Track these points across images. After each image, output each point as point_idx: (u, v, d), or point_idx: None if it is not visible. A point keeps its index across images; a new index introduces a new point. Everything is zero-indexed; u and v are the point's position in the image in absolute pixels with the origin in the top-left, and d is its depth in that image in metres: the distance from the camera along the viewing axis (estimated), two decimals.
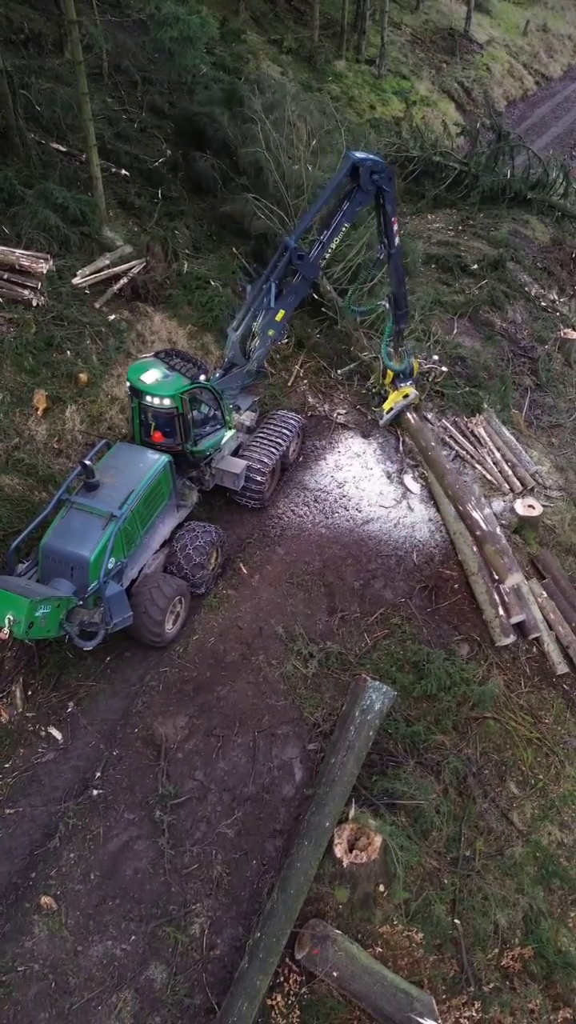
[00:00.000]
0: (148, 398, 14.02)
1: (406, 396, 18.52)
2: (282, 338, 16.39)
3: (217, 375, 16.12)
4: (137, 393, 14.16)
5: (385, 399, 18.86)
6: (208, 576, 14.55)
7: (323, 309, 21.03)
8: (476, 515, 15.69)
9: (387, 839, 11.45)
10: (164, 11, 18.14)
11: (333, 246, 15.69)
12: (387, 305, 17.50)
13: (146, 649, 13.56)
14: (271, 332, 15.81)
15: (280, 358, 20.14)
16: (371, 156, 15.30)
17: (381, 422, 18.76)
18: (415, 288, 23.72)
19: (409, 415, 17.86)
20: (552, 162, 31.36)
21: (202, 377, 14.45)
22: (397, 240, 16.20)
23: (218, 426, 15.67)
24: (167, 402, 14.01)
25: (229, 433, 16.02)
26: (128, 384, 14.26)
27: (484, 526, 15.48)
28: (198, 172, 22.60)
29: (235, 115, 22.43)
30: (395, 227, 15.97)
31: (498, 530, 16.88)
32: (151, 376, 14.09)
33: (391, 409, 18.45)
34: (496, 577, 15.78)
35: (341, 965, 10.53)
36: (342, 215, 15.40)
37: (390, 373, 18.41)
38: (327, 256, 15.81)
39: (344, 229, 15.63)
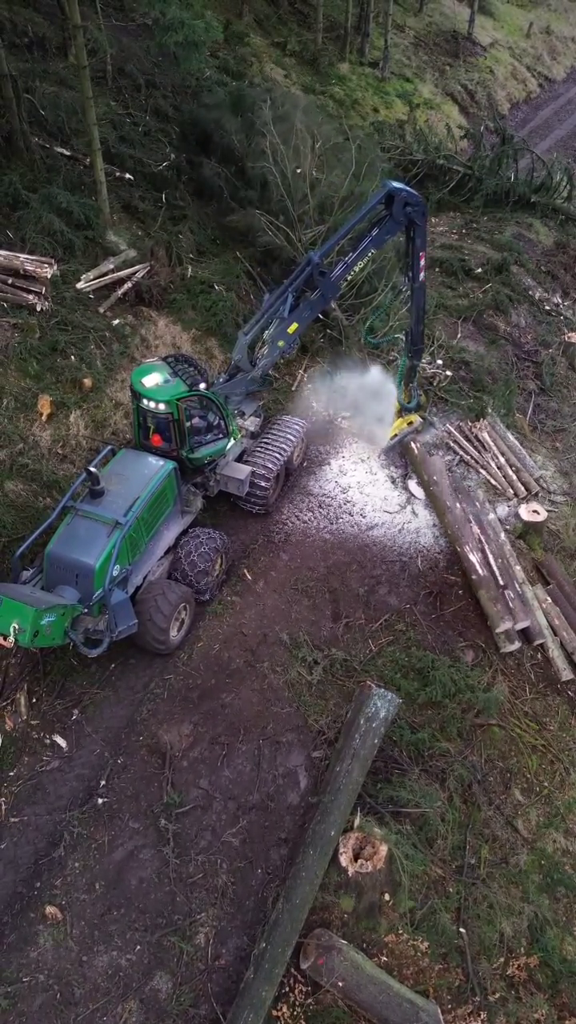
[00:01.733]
0: (146, 401, 14.07)
1: (410, 423, 18.32)
2: (291, 351, 16.49)
3: (222, 379, 16.08)
4: (136, 395, 14.21)
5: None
6: (212, 583, 14.53)
7: (328, 330, 21.01)
8: (473, 558, 15.63)
9: (393, 848, 11.43)
10: (169, 16, 18.13)
11: (357, 269, 15.54)
12: (403, 339, 17.29)
13: (151, 656, 13.54)
14: (281, 343, 15.57)
15: (284, 362, 20.11)
16: (408, 189, 15.07)
17: (383, 448, 18.60)
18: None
19: (414, 446, 17.85)
20: (556, 165, 31.31)
21: (202, 386, 14.42)
22: (423, 276, 16.05)
23: (220, 435, 15.56)
24: (162, 407, 14.03)
25: (231, 443, 15.99)
26: (131, 386, 14.32)
27: (480, 571, 15.43)
28: (203, 179, 22.57)
29: (244, 122, 22.40)
30: (422, 262, 15.80)
31: (502, 536, 16.88)
32: (152, 380, 14.11)
33: (395, 436, 18.32)
34: (501, 583, 15.77)
35: (347, 975, 10.51)
36: (370, 240, 15.17)
37: (397, 404, 18.23)
38: (348, 278, 15.63)
39: (370, 255, 15.45)
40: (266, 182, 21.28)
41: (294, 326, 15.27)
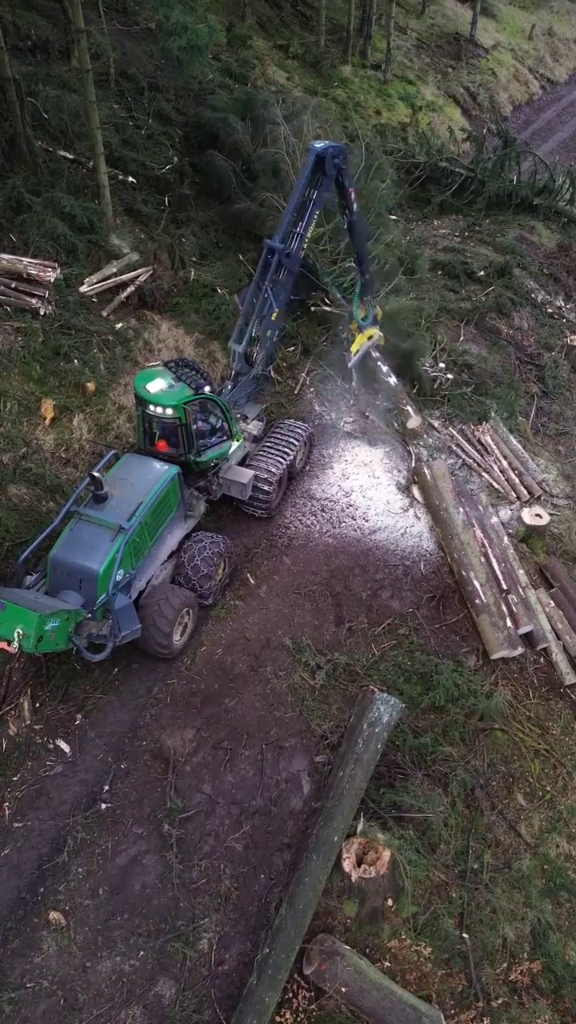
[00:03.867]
0: (152, 407, 14.04)
1: (370, 337, 19.69)
2: (278, 334, 17.02)
3: (228, 386, 16.19)
4: (142, 402, 14.19)
5: (352, 342, 19.85)
6: (215, 587, 14.54)
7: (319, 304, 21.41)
8: (476, 584, 15.63)
9: (396, 853, 11.44)
10: (172, 20, 18.14)
11: (309, 235, 16.49)
12: (353, 264, 19.11)
13: (154, 661, 13.54)
14: (269, 332, 16.42)
15: (287, 366, 20.15)
16: (329, 144, 16.07)
17: (350, 364, 19.73)
18: (422, 295, 23.80)
19: (425, 470, 17.79)
20: (558, 168, 31.32)
21: (206, 388, 14.46)
22: (356, 207, 17.39)
23: (224, 437, 15.63)
24: (170, 412, 14.03)
25: (235, 444, 16.02)
26: (134, 392, 14.30)
27: (483, 596, 15.43)
28: (213, 170, 22.61)
29: (254, 118, 22.63)
30: (352, 195, 17.05)
31: (505, 540, 16.89)
32: (156, 385, 14.11)
33: (358, 351, 19.54)
34: (504, 588, 15.79)
35: (350, 980, 10.52)
36: (313, 203, 16.19)
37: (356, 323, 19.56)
38: (305, 245, 16.54)
39: (316, 217, 16.47)
40: (278, 169, 21.82)
41: (276, 312, 16.11)
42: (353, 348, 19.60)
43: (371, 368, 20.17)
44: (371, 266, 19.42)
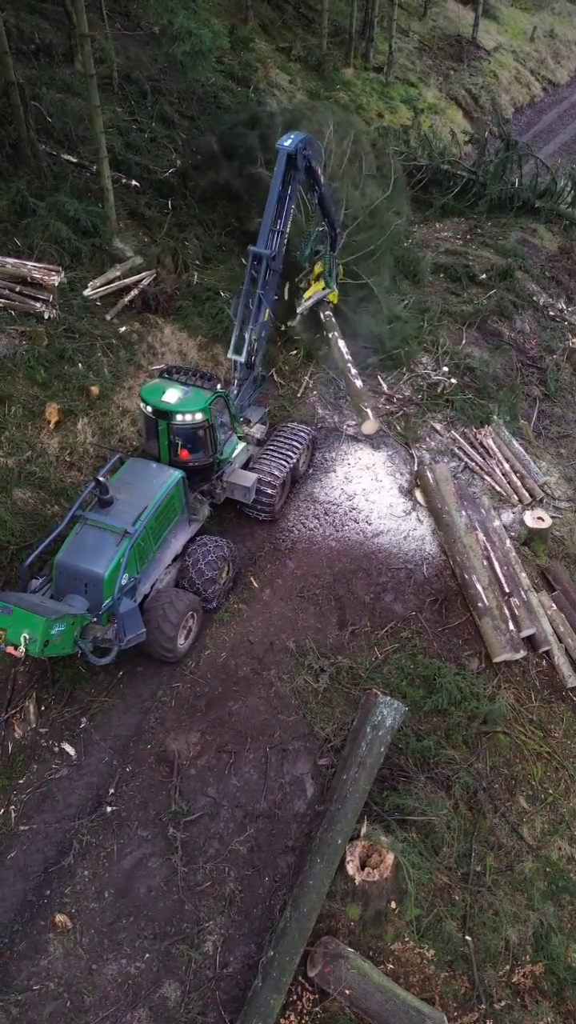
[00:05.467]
0: (179, 417, 14.05)
1: (323, 288, 20.54)
2: (270, 331, 17.51)
3: (233, 392, 16.31)
4: (163, 415, 14.13)
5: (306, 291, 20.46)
6: (219, 591, 14.61)
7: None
8: (478, 587, 15.69)
9: (399, 856, 11.51)
10: (177, 25, 18.21)
11: (288, 230, 16.87)
12: (324, 228, 19.59)
13: (158, 664, 13.61)
14: (263, 333, 16.83)
15: (289, 370, 20.22)
16: (296, 139, 16.35)
17: (299, 309, 20.28)
18: (425, 297, 23.85)
19: (428, 473, 17.79)
20: (560, 170, 31.36)
21: (218, 386, 14.60)
22: (323, 179, 18.12)
23: (230, 432, 15.80)
24: (199, 416, 14.12)
25: (241, 445, 16.11)
26: (150, 408, 14.22)
27: (485, 599, 15.49)
28: (226, 179, 22.57)
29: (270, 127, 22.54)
30: (319, 172, 17.70)
31: (507, 543, 16.95)
32: (173, 396, 14.15)
33: (310, 298, 20.26)
34: (507, 591, 15.85)
35: (353, 983, 10.58)
36: (289, 199, 16.60)
37: (317, 270, 20.35)
38: (286, 242, 16.94)
39: (292, 211, 16.89)
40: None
41: (267, 313, 16.56)
42: (306, 295, 20.19)
43: (320, 322, 20.56)
44: (338, 229, 20.18)
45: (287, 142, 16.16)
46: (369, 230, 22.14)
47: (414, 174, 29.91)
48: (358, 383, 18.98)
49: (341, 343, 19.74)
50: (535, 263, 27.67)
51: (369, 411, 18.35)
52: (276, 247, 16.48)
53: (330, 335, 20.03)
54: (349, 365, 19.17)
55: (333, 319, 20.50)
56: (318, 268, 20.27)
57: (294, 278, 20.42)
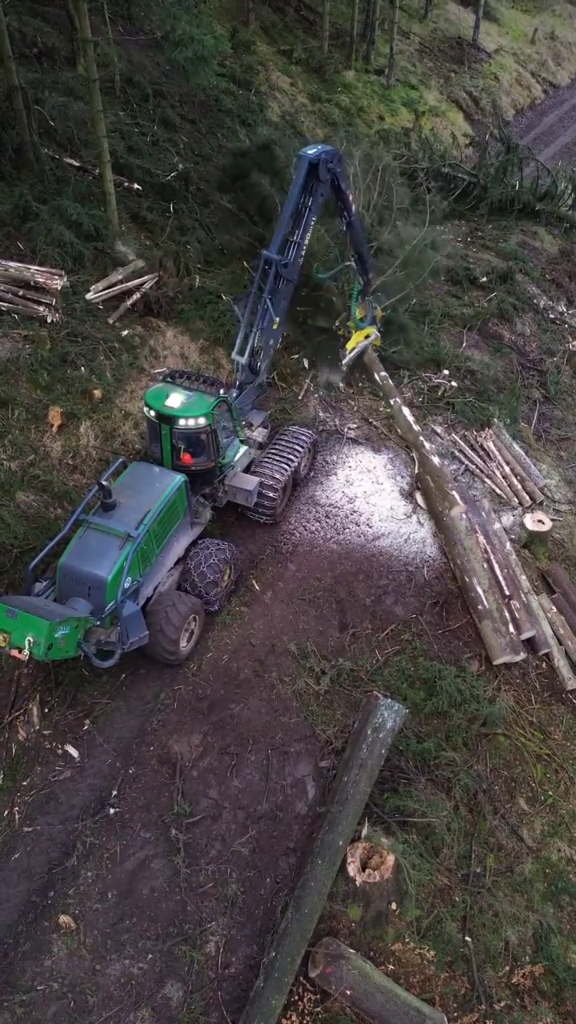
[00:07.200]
0: (181, 421, 14.14)
1: (367, 336, 19.97)
2: (279, 343, 17.34)
3: (234, 394, 16.38)
4: (167, 419, 14.22)
5: (348, 340, 19.99)
6: (221, 593, 14.69)
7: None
8: (478, 589, 15.79)
9: (400, 857, 11.59)
10: (179, 31, 18.31)
11: (306, 242, 16.55)
12: (353, 264, 18.97)
13: (160, 667, 13.71)
14: (272, 341, 16.72)
15: (290, 373, 20.30)
16: (321, 148, 16.09)
17: (343, 361, 19.85)
18: (427, 300, 23.92)
19: (428, 479, 17.92)
20: (560, 172, 31.46)
21: (221, 391, 14.69)
22: (354, 208, 17.58)
23: (232, 436, 15.89)
24: (202, 421, 14.21)
25: (243, 449, 16.20)
26: (153, 413, 14.31)
27: (485, 602, 15.59)
28: (248, 198, 22.24)
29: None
30: (351, 198, 17.29)
31: (508, 545, 17.04)
32: (176, 400, 14.24)
33: (353, 349, 19.72)
34: (507, 593, 15.94)
35: (354, 983, 10.67)
36: (309, 211, 16.26)
37: (353, 323, 19.86)
38: (303, 254, 16.62)
39: (312, 223, 16.51)
40: None
41: (276, 321, 16.34)
42: (349, 345, 19.81)
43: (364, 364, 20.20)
44: (371, 263, 19.50)
45: (311, 151, 15.82)
46: (404, 268, 21.38)
47: (415, 177, 30.00)
48: (435, 460, 17.80)
49: (406, 411, 18.97)
50: (535, 266, 27.78)
51: (455, 493, 17.15)
52: (291, 257, 16.23)
53: (392, 401, 19.25)
54: (422, 439, 18.12)
55: (390, 381, 19.72)
56: (359, 313, 19.67)
57: (319, 303, 20.38)
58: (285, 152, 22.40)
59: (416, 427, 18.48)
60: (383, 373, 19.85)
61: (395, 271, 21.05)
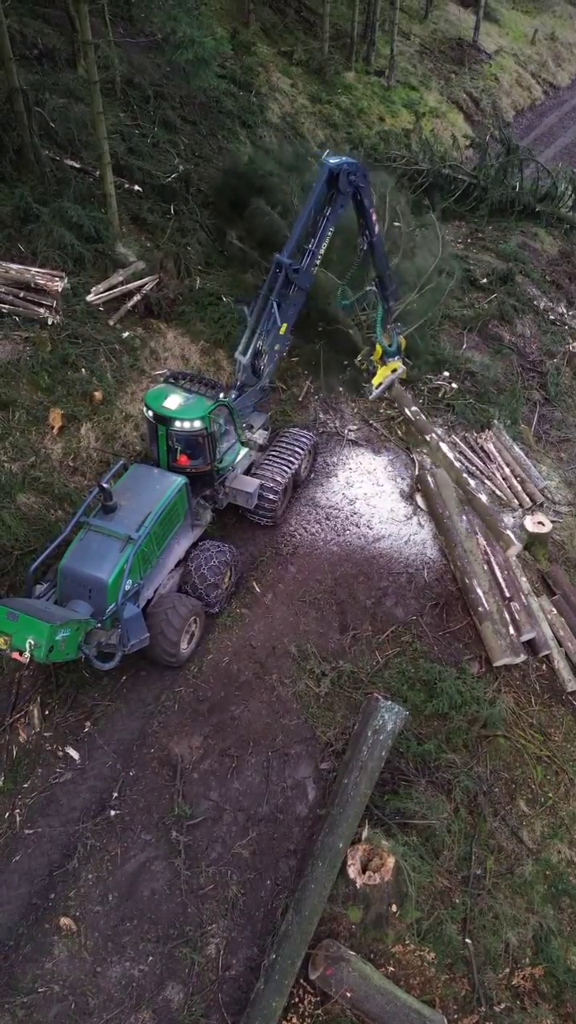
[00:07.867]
0: (177, 423, 14.16)
1: (394, 371, 19.56)
2: (286, 350, 17.18)
3: (233, 396, 16.38)
4: (164, 420, 14.25)
5: (374, 374, 19.61)
6: (222, 595, 14.70)
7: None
8: (479, 591, 15.82)
9: (400, 860, 11.62)
10: (180, 33, 18.32)
11: (322, 252, 16.36)
12: (375, 289, 18.43)
13: (161, 669, 13.72)
14: (277, 347, 16.56)
15: (291, 375, 20.31)
16: (344, 159, 15.89)
17: (371, 396, 19.56)
18: (426, 303, 23.91)
19: (429, 478, 17.90)
20: (560, 174, 31.47)
21: (221, 395, 14.68)
22: (377, 228, 17.16)
23: (233, 441, 15.89)
24: (197, 424, 14.21)
25: (243, 451, 16.21)
26: (151, 413, 14.34)
27: (485, 604, 15.61)
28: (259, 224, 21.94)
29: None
30: (374, 217, 16.86)
31: (508, 548, 17.05)
32: (174, 402, 14.25)
33: (380, 384, 19.35)
34: (507, 595, 15.96)
35: (355, 985, 10.70)
36: (326, 221, 16.05)
37: (379, 349, 19.28)
38: (318, 263, 16.45)
39: (329, 234, 16.26)
40: None
41: (284, 327, 16.18)
42: (375, 380, 19.34)
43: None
44: (395, 288, 18.92)
45: (333, 159, 15.61)
46: (419, 296, 21.28)
47: (415, 178, 30.00)
48: (483, 497, 17.44)
49: (444, 446, 18.34)
50: (536, 267, 27.80)
51: (510, 533, 17.05)
52: (305, 265, 16.06)
53: (430, 438, 18.74)
54: (466, 476, 17.56)
55: (423, 416, 19.12)
56: (379, 349, 19.24)
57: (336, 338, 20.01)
58: (285, 163, 22.30)
59: (457, 463, 18.06)
60: (414, 408, 19.40)
61: (411, 301, 20.92)
